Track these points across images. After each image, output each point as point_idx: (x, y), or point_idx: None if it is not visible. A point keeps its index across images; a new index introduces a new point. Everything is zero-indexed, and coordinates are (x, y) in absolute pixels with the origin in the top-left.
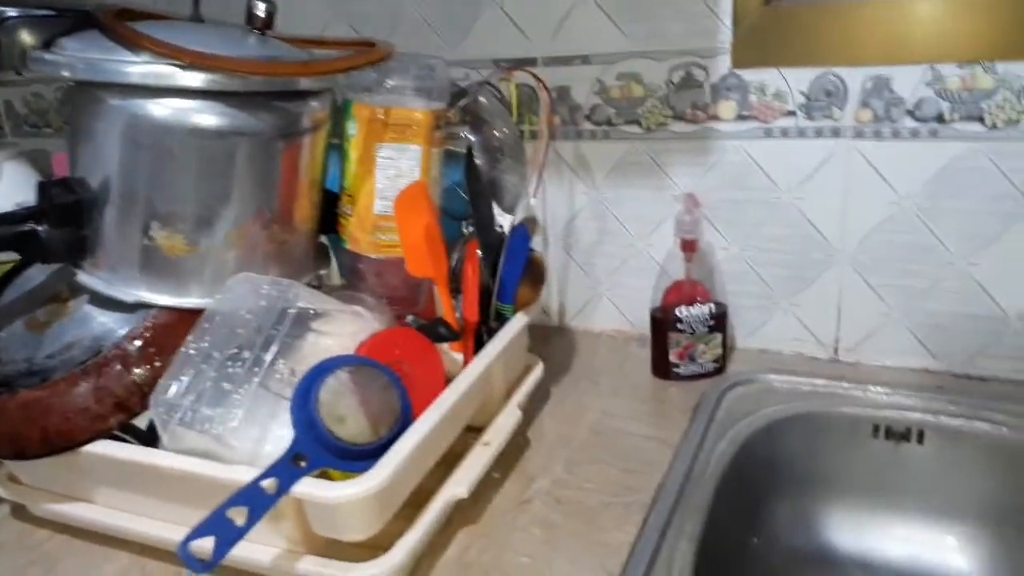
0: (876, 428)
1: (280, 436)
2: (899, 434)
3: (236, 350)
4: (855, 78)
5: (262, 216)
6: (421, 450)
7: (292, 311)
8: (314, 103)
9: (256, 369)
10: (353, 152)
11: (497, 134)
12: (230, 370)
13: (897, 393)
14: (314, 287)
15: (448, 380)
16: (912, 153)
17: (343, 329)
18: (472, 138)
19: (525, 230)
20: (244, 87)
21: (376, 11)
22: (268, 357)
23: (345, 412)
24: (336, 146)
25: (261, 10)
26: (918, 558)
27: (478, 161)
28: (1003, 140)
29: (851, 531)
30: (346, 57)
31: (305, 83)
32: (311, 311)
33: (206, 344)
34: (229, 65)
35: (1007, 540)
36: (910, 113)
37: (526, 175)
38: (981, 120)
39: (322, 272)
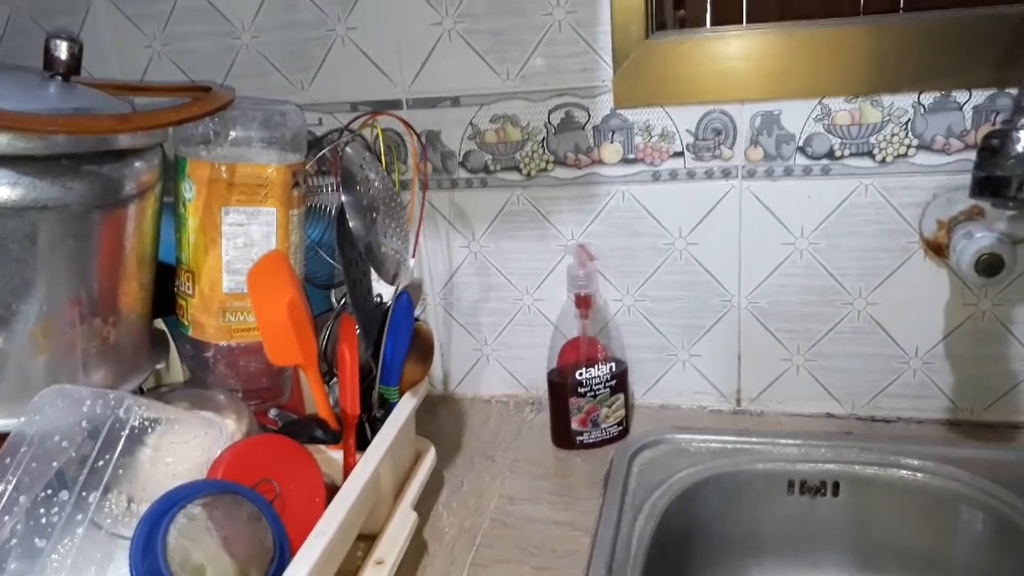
0: (791, 483)
1: None
2: (814, 488)
3: (49, 491)
4: (743, 115)
5: (76, 308)
6: None
7: (124, 433)
8: (138, 164)
9: (79, 517)
10: (191, 219)
11: (369, 190)
12: (43, 520)
13: (807, 444)
14: (150, 389)
15: (328, 489)
16: (805, 192)
17: (191, 442)
18: (344, 197)
19: (409, 299)
20: (45, 149)
21: (207, 48)
22: (94, 498)
23: (203, 559)
24: (169, 207)
25: (63, 51)
26: None
27: (351, 224)
28: (893, 175)
29: None
30: (177, 106)
31: (125, 140)
32: (148, 424)
33: (9, 485)
34: (22, 123)
35: None
36: (801, 150)
37: (407, 236)
38: (871, 155)
39: (160, 366)
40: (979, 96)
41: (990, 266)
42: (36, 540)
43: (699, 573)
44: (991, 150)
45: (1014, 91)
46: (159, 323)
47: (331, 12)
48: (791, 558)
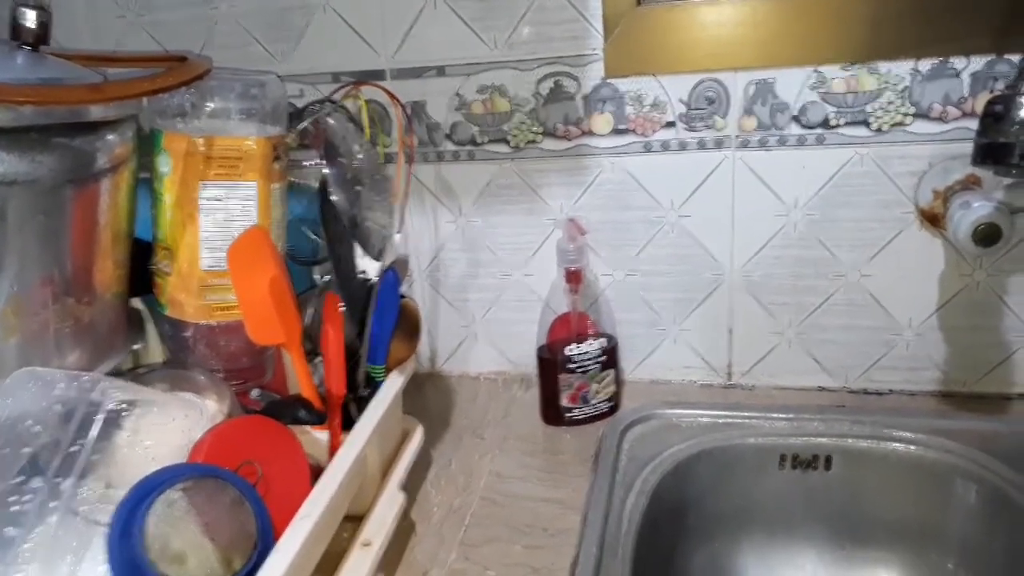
0: (783, 458)
1: (98, 575)
2: (806, 462)
3: (21, 478)
4: (737, 83)
5: (48, 287)
6: None
7: (99, 416)
8: (111, 136)
9: (52, 504)
10: (168, 194)
11: (353, 162)
12: (15, 508)
13: (800, 418)
14: (128, 370)
15: (313, 470)
16: (799, 162)
17: (170, 424)
18: (327, 170)
19: (395, 276)
20: (13, 121)
21: (183, 18)
22: (68, 484)
23: (184, 546)
24: (146, 182)
25: (31, 19)
26: None
27: (335, 198)
28: (889, 144)
29: (766, 566)
30: (151, 76)
31: (97, 112)
32: (124, 407)
33: None
34: None
35: (925, 561)
36: (796, 119)
37: (392, 211)
38: (867, 124)
39: (137, 347)
40: (977, 63)
41: (988, 236)
42: (8, 529)
43: (691, 548)
44: (994, 116)
45: (1015, 57)
46: (136, 302)
47: None
48: (784, 532)
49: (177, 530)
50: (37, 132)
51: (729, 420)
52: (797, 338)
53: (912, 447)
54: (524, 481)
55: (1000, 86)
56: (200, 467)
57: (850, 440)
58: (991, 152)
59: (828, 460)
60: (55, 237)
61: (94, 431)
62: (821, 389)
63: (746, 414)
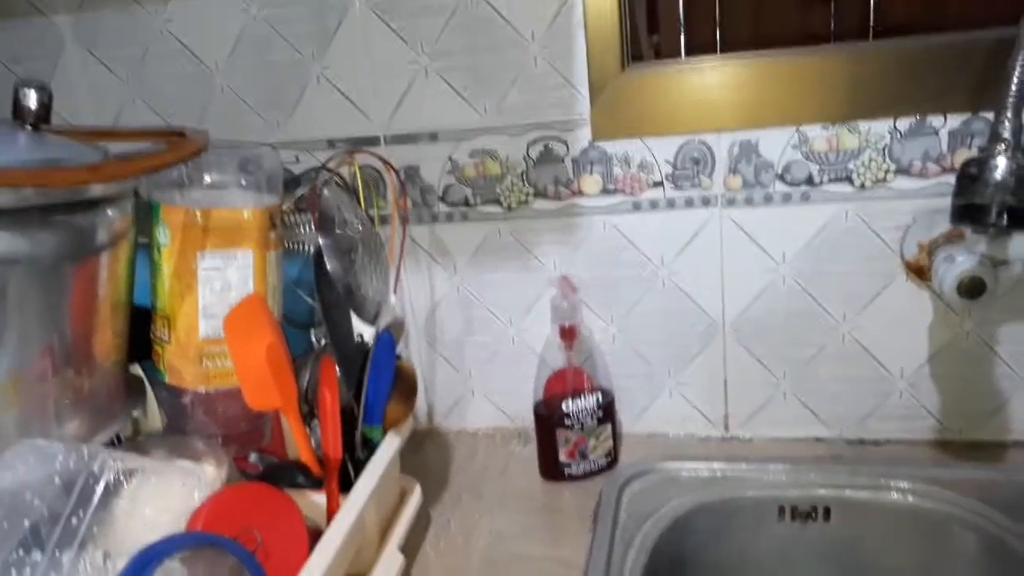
0: (782, 509)
1: None
2: (805, 513)
3: (22, 551)
4: (721, 144)
5: (48, 360)
6: None
7: (99, 487)
8: (111, 212)
9: None
10: (166, 265)
11: (348, 230)
12: None
13: (797, 470)
14: (128, 437)
15: (311, 534)
16: (786, 218)
17: (169, 493)
18: (322, 240)
19: (391, 338)
20: (15, 202)
21: (180, 90)
22: (68, 557)
23: None
24: (144, 248)
25: (32, 100)
26: None
27: (330, 267)
28: (872, 200)
29: None
30: (149, 155)
31: (97, 190)
32: (123, 477)
33: None
34: None
35: None
36: (780, 177)
37: (387, 276)
38: (850, 180)
39: (136, 413)
40: (954, 121)
41: (972, 289)
42: None
43: None
44: (970, 178)
45: (989, 116)
46: (136, 369)
47: (305, 51)
48: None
49: None
50: (38, 211)
51: (728, 473)
52: (792, 389)
53: (910, 497)
54: (524, 540)
55: (977, 143)
56: (198, 536)
57: (848, 491)
58: (968, 213)
59: (827, 511)
60: (55, 312)
61: (93, 503)
62: (818, 440)
63: (744, 466)
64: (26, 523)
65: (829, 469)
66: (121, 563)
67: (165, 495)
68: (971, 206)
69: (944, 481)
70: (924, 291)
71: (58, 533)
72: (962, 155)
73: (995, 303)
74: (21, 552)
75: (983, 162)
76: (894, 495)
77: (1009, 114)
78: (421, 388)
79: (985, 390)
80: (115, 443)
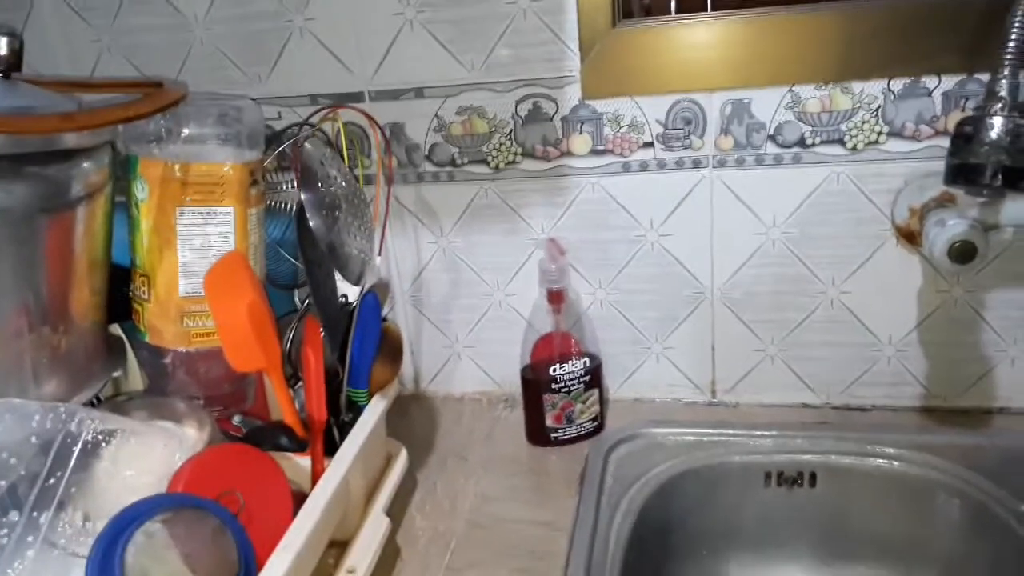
0: (768, 475)
1: None
2: (791, 479)
3: None
4: (713, 104)
5: (24, 317)
6: None
7: (76, 448)
8: (86, 164)
9: (30, 538)
10: (144, 220)
11: (331, 186)
12: None
13: (784, 435)
14: (107, 398)
15: (295, 497)
16: (777, 180)
17: (150, 454)
18: (304, 196)
19: (375, 299)
20: None
21: (159, 41)
22: (46, 518)
23: None
24: (123, 206)
25: (2, 47)
26: None
27: (312, 223)
28: (864, 162)
29: None
30: (124, 104)
31: (71, 140)
32: (103, 437)
33: None
34: None
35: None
36: (772, 138)
37: (372, 234)
38: (842, 142)
39: (117, 374)
40: (948, 82)
41: (963, 253)
42: None
43: (678, 568)
44: (965, 137)
45: (984, 76)
46: (116, 329)
47: (288, 3)
48: (770, 550)
49: (157, 562)
50: (9, 161)
51: (714, 438)
52: (779, 355)
53: (895, 463)
54: (510, 503)
55: (971, 105)
56: (179, 497)
57: (834, 457)
58: (962, 172)
59: (813, 477)
60: (30, 266)
61: (71, 463)
62: (804, 406)
63: (731, 432)
64: (3, 483)
65: (815, 435)
66: (101, 525)
67: (146, 456)
68: (966, 166)
69: (930, 447)
70: (914, 256)
71: (35, 494)
72: (955, 117)
73: (985, 269)
74: None
75: (979, 121)
76: (880, 461)
77: (1006, 72)
78: (407, 352)
79: (972, 356)
80: (95, 404)
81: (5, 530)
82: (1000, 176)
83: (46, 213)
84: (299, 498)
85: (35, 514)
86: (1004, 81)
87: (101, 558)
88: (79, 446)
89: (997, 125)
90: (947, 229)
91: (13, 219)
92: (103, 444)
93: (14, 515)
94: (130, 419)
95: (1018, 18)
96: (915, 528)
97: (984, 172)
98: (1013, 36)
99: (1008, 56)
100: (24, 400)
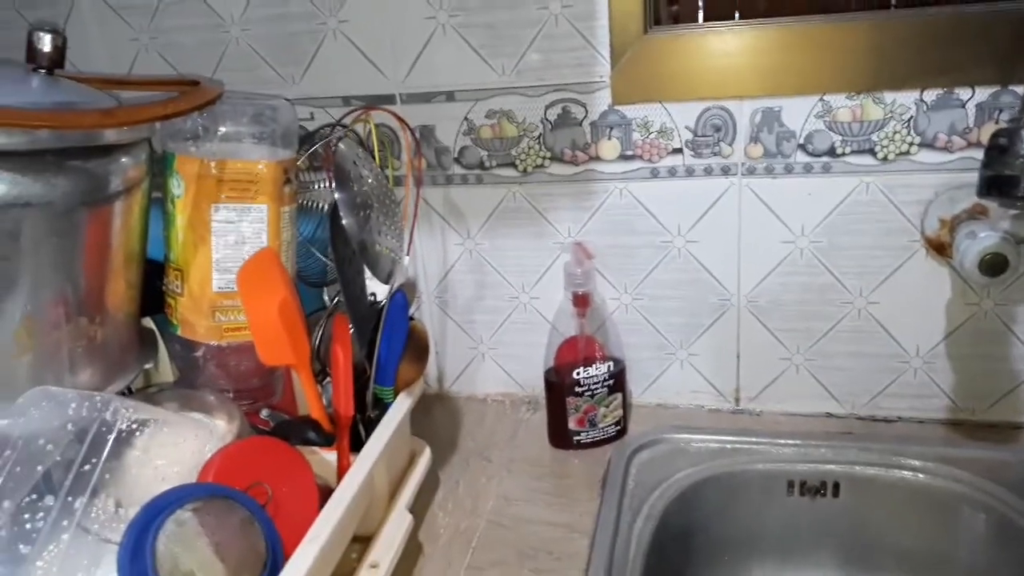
0: (791, 484)
1: None
2: (814, 488)
3: (34, 496)
4: (743, 111)
5: (62, 307)
6: None
7: (111, 436)
8: (124, 159)
9: (65, 522)
10: (180, 216)
11: (363, 186)
12: (28, 525)
13: (807, 445)
14: (139, 389)
15: (321, 491)
16: (806, 189)
17: (181, 444)
18: (337, 195)
19: (404, 298)
20: (28, 144)
21: (195, 41)
22: (80, 503)
23: (193, 566)
24: (159, 202)
25: (47, 43)
26: None
27: (345, 222)
28: (894, 173)
29: None
30: (163, 101)
31: (111, 136)
32: (136, 427)
33: None
34: (4, 118)
35: None
36: (802, 147)
37: (402, 234)
38: (872, 152)
39: (149, 366)
40: (982, 93)
41: (994, 266)
42: (20, 546)
43: (699, 574)
44: (999, 148)
45: (1019, 89)
46: (148, 322)
47: (322, 5)
48: (792, 558)
49: (187, 550)
50: (52, 155)
51: (737, 446)
52: (805, 364)
53: (920, 475)
54: (531, 504)
55: (1005, 116)
56: (210, 487)
57: (858, 467)
58: (996, 184)
59: (836, 487)
60: (68, 258)
61: (106, 450)
62: (829, 415)
63: (754, 440)
64: (39, 469)
65: (839, 445)
66: (132, 512)
67: (177, 446)
68: (1000, 177)
69: (955, 460)
70: (943, 268)
71: (70, 479)
72: (988, 129)
73: (1016, 283)
74: (34, 496)
75: (1013, 132)
76: (904, 473)
77: None
78: (432, 352)
79: (1001, 370)
80: (126, 395)
81: (41, 514)
82: None
83: (86, 207)
84: (325, 492)
85: (70, 499)
86: None
87: (133, 544)
88: (114, 434)
89: None
90: (978, 241)
91: (55, 212)
92: (136, 433)
93: (49, 500)
94: (162, 410)
95: None
96: (939, 541)
97: (1019, 184)
98: None
99: None
100: (61, 388)
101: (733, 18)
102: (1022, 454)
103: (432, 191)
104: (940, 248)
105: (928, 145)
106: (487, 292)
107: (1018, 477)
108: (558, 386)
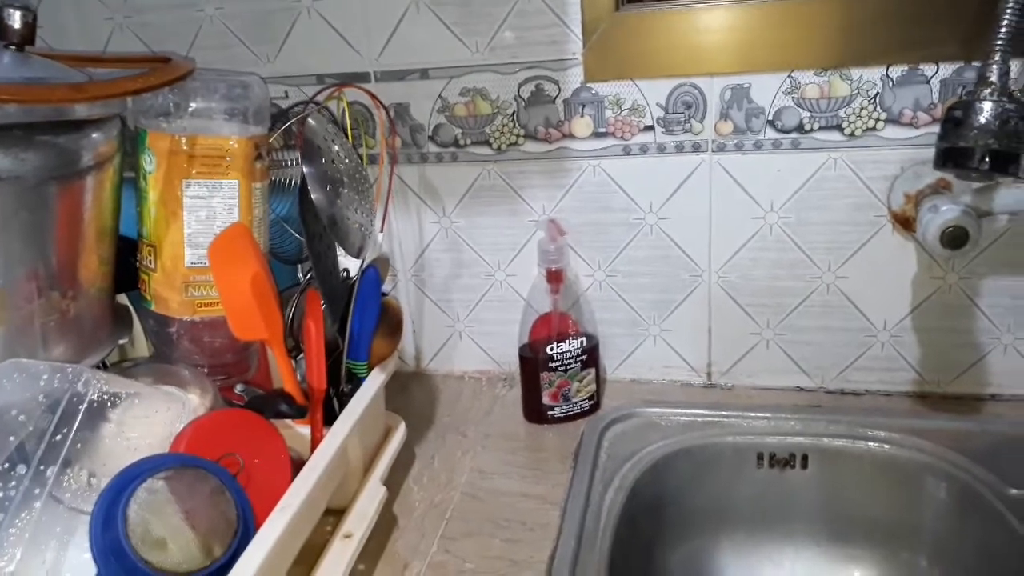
0: (760, 456)
1: (82, 563)
2: (783, 460)
3: (7, 465)
4: (713, 88)
5: (34, 281)
6: (270, 566)
7: (83, 406)
8: (96, 135)
9: (37, 491)
10: (152, 192)
11: (334, 162)
12: (1, 494)
13: (777, 417)
14: (114, 364)
15: (294, 463)
16: (775, 166)
17: (153, 417)
18: (306, 169)
19: (376, 273)
20: None
21: (169, 20)
22: (52, 472)
23: (165, 533)
24: (131, 180)
25: (16, 19)
26: None
27: (315, 196)
28: (861, 148)
29: (744, 563)
30: (134, 76)
31: (81, 111)
32: (108, 399)
33: None
34: None
35: (898, 558)
36: (771, 124)
37: (373, 210)
38: (840, 128)
39: (123, 341)
40: (946, 69)
41: (955, 239)
42: None
43: (670, 545)
44: (954, 121)
45: (979, 64)
46: (123, 298)
47: None
48: (761, 529)
49: (158, 518)
50: (21, 130)
51: (708, 419)
52: (775, 339)
53: (886, 446)
54: (505, 477)
55: (966, 91)
56: (181, 457)
57: (826, 439)
58: (951, 156)
59: (805, 459)
60: (40, 233)
61: (77, 421)
62: (799, 389)
63: (725, 413)
64: (12, 439)
65: (808, 417)
66: (105, 483)
67: (149, 419)
68: (955, 149)
69: (920, 431)
70: (909, 243)
71: (42, 449)
72: None
73: (979, 256)
74: (7, 466)
75: (968, 105)
76: (870, 444)
77: (997, 58)
78: (408, 330)
79: (965, 343)
80: (101, 369)
81: (13, 483)
82: (988, 160)
83: (56, 181)
84: (298, 464)
85: (42, 467)
86: (995, 66)
87: (106, 510)
88: (85, 404)
89: (986, 109)
90: (940, 214)
91: (24, 186)
92: (109, 405)
93: (21, 468)
94: (135, 382)
95: (1009, 5)
96: (905, 510)
97: (973, 156)
98: (1004, 22)
99: (999, 42)
100: (33, 360)
101: None
102: (986, 425)
103: (407, 169)
104: (906, 223)
105: (894, 121)
106: (463, 270)
107: (981, 447)
108: (532, 361)
